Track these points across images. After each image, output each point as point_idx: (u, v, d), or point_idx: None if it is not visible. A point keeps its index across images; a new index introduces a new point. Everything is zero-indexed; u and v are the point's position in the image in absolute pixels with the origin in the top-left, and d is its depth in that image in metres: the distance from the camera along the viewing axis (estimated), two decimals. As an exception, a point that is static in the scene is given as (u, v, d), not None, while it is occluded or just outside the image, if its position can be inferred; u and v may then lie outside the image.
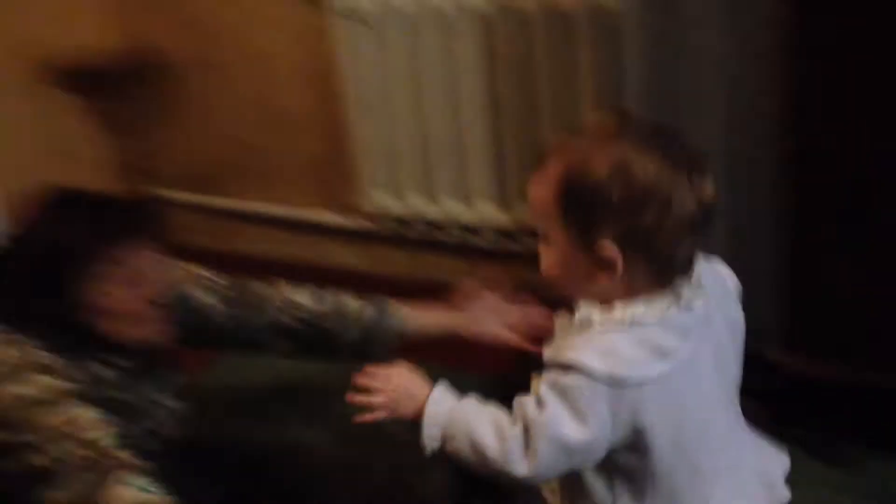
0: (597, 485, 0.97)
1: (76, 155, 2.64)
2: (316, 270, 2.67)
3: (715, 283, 0.99)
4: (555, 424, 0.89)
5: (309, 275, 2.62)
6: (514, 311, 1.45)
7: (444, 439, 0.98)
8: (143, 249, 1.27)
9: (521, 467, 0.92)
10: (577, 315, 0.93)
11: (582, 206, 0.88)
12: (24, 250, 1.24)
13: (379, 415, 1.04)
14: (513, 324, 1.43)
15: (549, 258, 0.94)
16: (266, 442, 1.76)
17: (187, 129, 2.72)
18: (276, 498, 1.58)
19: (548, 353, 0.93)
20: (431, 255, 2.50)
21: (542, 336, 1.14)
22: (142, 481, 1.15)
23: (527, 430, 0.91)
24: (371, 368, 1.08)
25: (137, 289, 1.26)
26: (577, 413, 0.88)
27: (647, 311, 0.90)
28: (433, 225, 2.38)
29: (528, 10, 1.98)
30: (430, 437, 0.99)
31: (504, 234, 2.29)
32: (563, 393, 0.88)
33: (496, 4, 2.01)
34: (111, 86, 2.54)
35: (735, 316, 1.01)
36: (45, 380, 1.18)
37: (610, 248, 0.87)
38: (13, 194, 1.32)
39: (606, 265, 0.89)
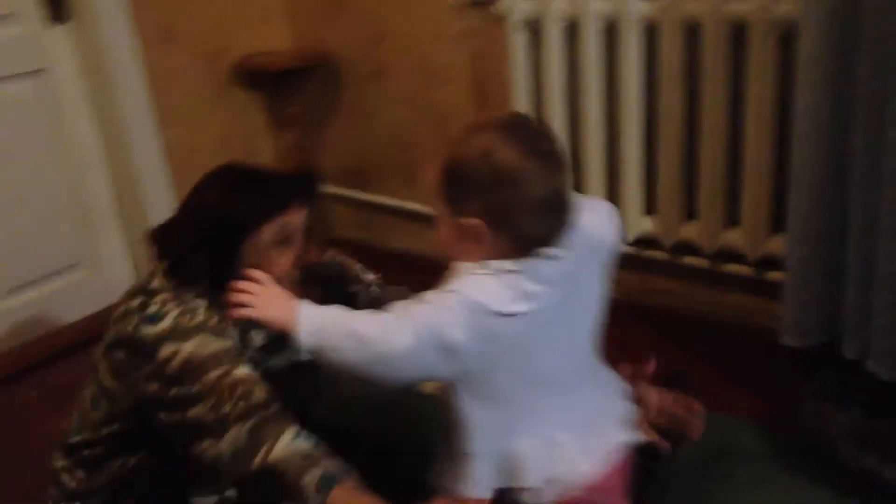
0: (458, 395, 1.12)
1: (254, 152, 2.86)
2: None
3: (587, 240, 1.14)
4: (434, 315, 1.04)
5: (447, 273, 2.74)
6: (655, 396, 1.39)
7: (321, 338, 1.07)
8: (301, 214, 1.37)
9: (402, 339, 1.03)
10: (456, 266, 1.09)
11: (454, 186, 1.06)
12: (196, 216, 1.35)
13: (249, 312, 1.12)
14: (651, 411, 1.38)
15: (440, 232, 1.12)
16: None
17: (350, 127, 2.86)
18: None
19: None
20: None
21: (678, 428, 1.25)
22: (294, 432, 1.22)
23: (407, 317, 1.05)
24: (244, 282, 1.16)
25: (291, 251, 1.36)
26: (450, 318, 1.04)
27: (514, 265, 1.06)
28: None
29: (698, 16, 1.96)
30: (308, 335, 1.07)
31: (647, 242, 2.28)
32: (439, 305, 1.05)
33: (664, 10, 2.00)
34: (287, 86, 2.74)
35: (602, 264, 1.19)
36: (215, 341, 1.28)
37: (475, 221, 1.04)
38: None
39: (474, 235, 1.05)
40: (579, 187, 2.30)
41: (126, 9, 2.37)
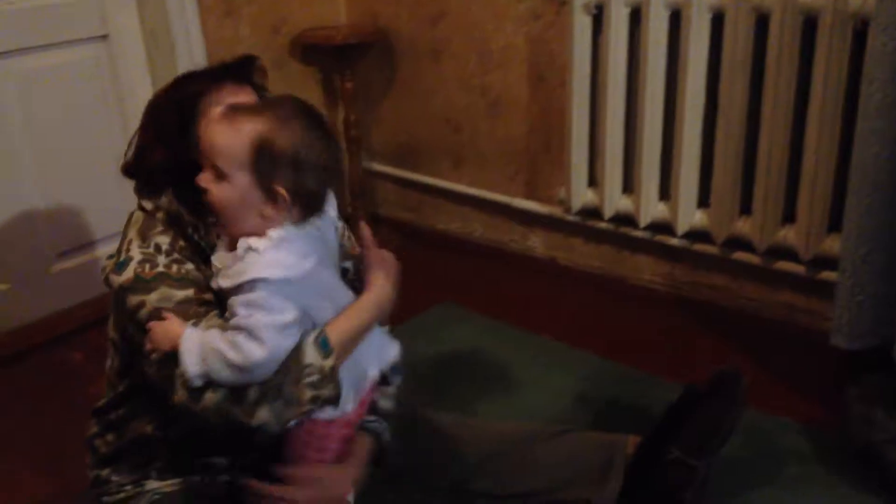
0: None
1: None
2: (501, 253, 2.77)
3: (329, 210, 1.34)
4: (263, 322, 1.17)
5: (493, 256, 2.74)
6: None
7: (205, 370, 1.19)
8: (242, 94, 1.34)
9: (257, 353, 1.16)
10: (240, 246, 1.20)
11: (266, 161, 1.19)
12: (144, 119, 1.37)
13: (158, 351, 1.22)
14: None
15: (224, 192, 1.21)
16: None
17: (403, 106, 2.87)
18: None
19: (225, 282, 1.20)
20: (619, 250, 2.51)
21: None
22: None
23: (249, 333, 1.17)
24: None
25: None
26: (272, 311, 1.17)
27: (291, 231, 1.22)
28: (627, 220, 2.38)
29: (769, 6, 1.93)
30: (193, 372, 1.19)
31: (698, 236, 2.26)
32: (256, 306, 1.17)
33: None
34: (342, 61, 2.75)
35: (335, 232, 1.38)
36: (178, 291, 1.26)
37: (281, 191, 1.19)
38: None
39: (277, 202, 1.20)
40: (634, 177, 2.29)
41: (190, -22, 2.40)
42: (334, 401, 1.25)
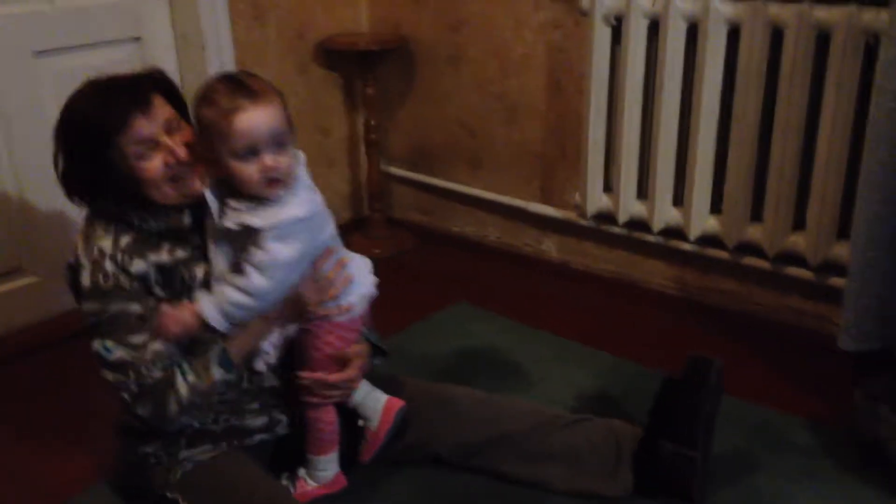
0: None
1: (328, 129, 2.96)
2: (516, 256, 2.83)
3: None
4: (278, 256, 1.37)
5: (507, 259, 2.81)
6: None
7: (228, 318, 1.39)
8: (151, 120, 1.40)
9: (260, 283, 1.37)
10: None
11: (292, 125, 1.39)
12: (58, 132, 1.44)
13: (166, 338, 1.41)
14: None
15: (288, 159, 1.36)
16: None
17: (421, 111, 2.94)
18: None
19: (257, 220, 1.35)
20: (632, 255, 2.58)
21: None
22: (179, 373, 1.44)
23: (260, 270, 1.37)
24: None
25: (158, 154, 1.40)
26: (292, 242, 1.38)
27: (304, 175, 1.43)
28: (640, 225, 2.45)
29: (782, 19, 2.00)
30: (219, 324, 1.39)
31: (710, 241, 2.33)
32: (284, 237, 1.36)
33: (750, 12, 2.04)
34: (364, 66, 2.82)
35: None
36: (130, 304, 1.43)
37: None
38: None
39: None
40: (649, 183, 2.36)
41: (222, -16, 2.48)
42: (238, 403, 1.54)
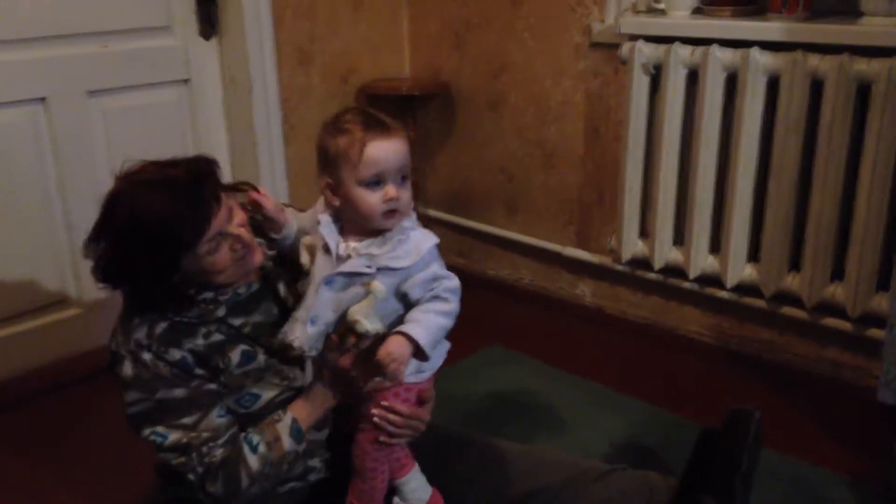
0: None
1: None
2: (549, 300, 2.84)
3: None
4: (455, 279, 1.42)
5: (541, 303, 2.81)
6: None
7: (433, 343, 1.37)
8: (221, 213, 1.38)
9: (456, 307, 1.40)
10: (396, 232, 1.38)
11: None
12: (126, 246, 1.37)
13: (399, 379, 1.38)
14: None
15: (408, 192, 1.38)
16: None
17: (460, 154, 2.98)
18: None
19: (401, 262, 1.37)
20: (667, 301, 2.57)
21: None
22: (247, 445, 1.43)
23: (454, 293, 1.40)
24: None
25: (226, 245, 1.39)
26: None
27: None
28: (676, 271, 2.44)
29: (822, 71, 2.01)
30: (430, 349, 1.37)
31: (747, 289, 2.31)
32: (439, 262, 1.42)
33: (790, 63, 2.05)
34: (405, 110, 2.88)
35: None
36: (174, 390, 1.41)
37: None
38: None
39: None
40: (685, 230, 2.37)
41: (270, 30, 2.56)
42: (300, 470, 1.53)
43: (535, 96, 2.69)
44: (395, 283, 1.38)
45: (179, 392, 1.41)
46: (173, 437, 1.41)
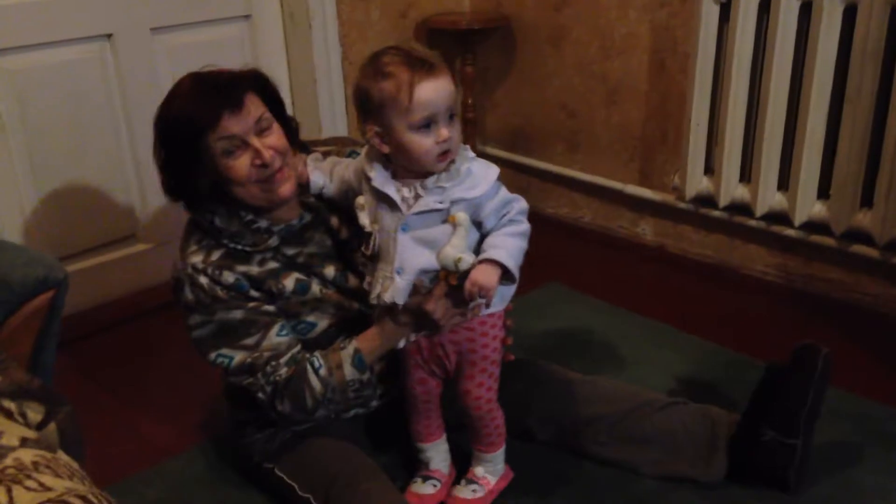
0: None
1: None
2: (609, 238, 2.81)
3: None
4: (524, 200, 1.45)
5: (601, 241, 2.78)
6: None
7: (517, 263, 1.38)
8: (242, 119, 1.39)
9: (527, 227, 1.42)
10: (459, 165, 1.37)
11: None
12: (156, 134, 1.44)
13: (490, 299, 1.38)
14: None
15: (457, 130, 1.36)
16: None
17: (521, 90, 2.94)
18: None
19: (471, 192, 1.36)
20: (732, 239, 2.52)
21: None
22: (313, 361, 1.47)
23: (524, 214, 1.43)
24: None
25: (247, 153, 1.40)
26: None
27: None
28: (742, 209, 2.39)
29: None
30: (515, 270, 1.38)
31: (816, 227, 2.26)
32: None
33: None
34: (464, 46, 2.84)
35: None
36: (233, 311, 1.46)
37: None
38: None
39: None
40: (753, 166, 2.31)
41: (329, -36, 2.54)
42: (372, 399, 1.55)
43: (598, 29, 2.63)
44: (470, 213, 1.37)
45: (238, 313, 1.46)
46: (238, 357, 1.46)
